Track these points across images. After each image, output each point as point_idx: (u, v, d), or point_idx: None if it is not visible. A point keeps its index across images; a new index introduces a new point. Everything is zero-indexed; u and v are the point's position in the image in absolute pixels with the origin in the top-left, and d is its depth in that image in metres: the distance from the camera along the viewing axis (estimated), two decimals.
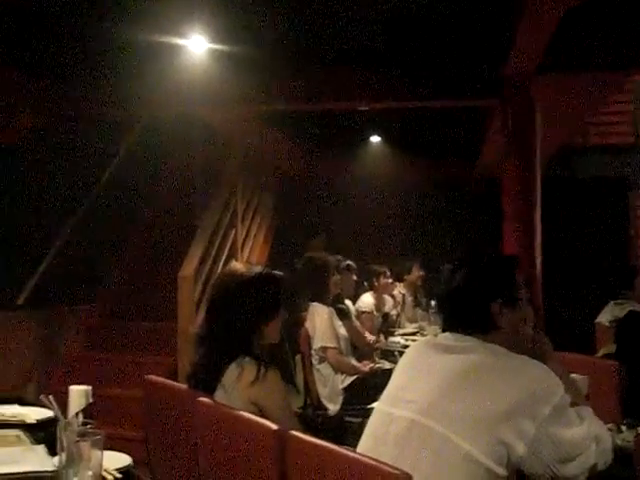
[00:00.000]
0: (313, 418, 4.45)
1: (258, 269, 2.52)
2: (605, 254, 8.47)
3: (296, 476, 1.78)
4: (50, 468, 1.93)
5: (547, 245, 5.34)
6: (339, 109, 6.69)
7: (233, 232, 7.08)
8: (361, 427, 1.98)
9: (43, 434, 2.26)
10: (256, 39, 4.88)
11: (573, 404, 1.83)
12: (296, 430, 1.87)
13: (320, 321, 4.67)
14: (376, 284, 6.63)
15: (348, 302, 5.90)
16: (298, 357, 4.62)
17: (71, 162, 6.03)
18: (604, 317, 5.48)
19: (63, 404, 2.08)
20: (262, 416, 2.12)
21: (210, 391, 2.32)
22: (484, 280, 1.94)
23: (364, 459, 1.60)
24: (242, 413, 2.07)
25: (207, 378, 2.35)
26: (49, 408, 2.04)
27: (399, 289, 7.30)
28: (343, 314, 5.21)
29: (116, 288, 6.93)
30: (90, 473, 1.62)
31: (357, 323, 5.84)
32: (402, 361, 2.02)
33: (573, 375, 2.18)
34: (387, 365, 5.15)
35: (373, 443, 1.87)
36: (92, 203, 6.52)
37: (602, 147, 8.52)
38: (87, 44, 4.97)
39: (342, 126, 7.58)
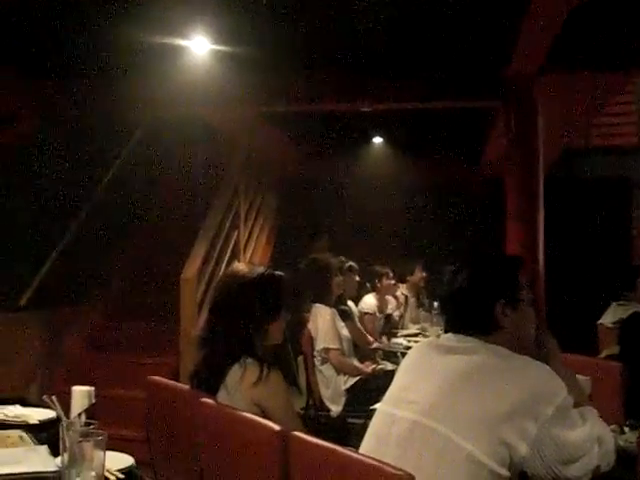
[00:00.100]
0: (316, 419, 4.45)
1: (260, 270, 2.52)
2: (607, 255, 8.46)
3: (299, 477, 1.78)
4: (53, 468, 1.93)
5: (550, 246, 5.34)
6: (342, 110, 6.69)
7: (235, 233, 7.09)
8: (363, 428, 1.97)
9: (46, 435, 2.26)
10: (258, 40, 4.88)
11: (577, 405, 1.83)
12: (299, 431, 1.87)
13: (322, 322, 4.67)
14: (378, 285, 6.63)
15: (350, 303, 5.90)
16: (300, 358, 4.62)
17: (73, 163, 6.04)
18: (607, 318, 5.48)
19: (66, 405, 2.08)
20: (265, 417, 2.12)
21: (213, 392, 2.32)
22: (487, 281, 1.94)
23: (367, 460, 1.60)
24: (245, 414, 2.07)
25: (210, 379, 2.35)
26: (52, 409, 2.05)
27: (402, 290, 7.30)
28: (346, 315, 5.21)
29: (118, 289, 6.94)
30: (93, 473, 1.62)
31: (359, 324, 5.84)
32: (404, 362, 2.02)
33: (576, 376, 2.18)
34: (389, 366, 5.15)
35: (375, 444, 1.87)
36: (94, 204, 6.53)
37: (605, 148, 8.51)
38: (88, 45, 4.97)
39: (345, 127, 7.58)
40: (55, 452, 2.01)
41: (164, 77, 5.44)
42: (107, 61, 5.23)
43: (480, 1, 4.35)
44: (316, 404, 4.54)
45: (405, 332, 6.62)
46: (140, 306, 6.58)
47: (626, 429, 2.50)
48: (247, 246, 7.52)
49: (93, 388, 2.21)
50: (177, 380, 3.44)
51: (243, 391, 2.29)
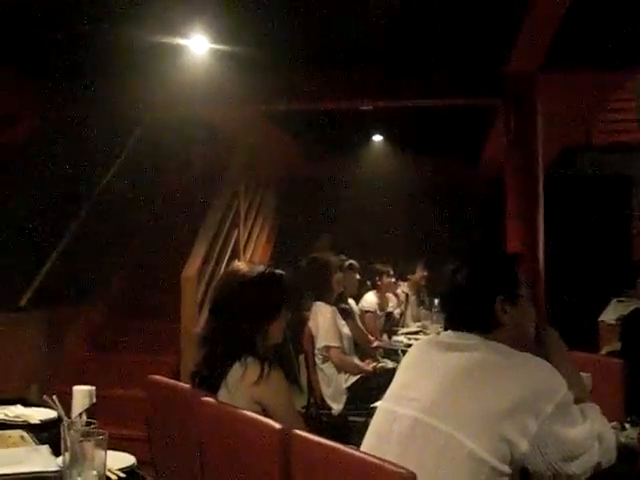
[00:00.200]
0: (317, 417, 4.45)
1: (261, 269, 2.52)
2: (608, 252, 8.47)
3: (300, 475, 1.78)
4: (54, 468, 1.93)
5: (550, 243, 5.34)
6: (341, 108, 6.68)
7: (236, 232, 7.09)
8: (365, 426, 1.97)
9: (47, 434, 2.26)
10: (257, 39, 4.88)
11: (579, 401, 1.83)
12: (300, 429, 1.87)
13: (323, 320, 4.68)
14: (379, 283, 6.64)
15: (351, 301, 5.91)
16: (301, 357, 4.62)
17: (73, 163, 6.03)
18: (607, 315, 5.50)
19: (67, 404, 2.08)
20: (266, 415, 2.12)
21: (213, 391, 2.32)
22: (486, 278, 1.93)
23: (368, 458, 1.60)
24: (246, 412, 2.07)
25: (210, 378, 2.35)
26: (53, 408, 2.05)
27: (402, 288, 7.30)
28: (346, 314, 5.21)
29: (119, 288, 6.94)
30: (94, 473, 1.62)
31: (360, 323, 5.85)
32: (405, 360, 2.02)
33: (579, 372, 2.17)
34: (390, 364, 5.15)
35: (377, 442, 1.87)
36: (94, 204, 6.52)
37: (605, 145, 8.51)
38: (88, 44, 4.97)
39: (345, 125, 7.58)
40: (56, 452, 2.01)
41: (163, 76, 5.44)
42: (106, 61, 5.23)
43: None
44: (317, 402, 4.55)
45: (406, 330, 6.62)
46: (140, 306, 6.59)
47: (627, 425, 2.51)
48: (247, 245, 7.52)
49: (94, 388, 2.21)
50: (178, 379, 3.44)
51: (244, 390, 2.28)
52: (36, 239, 5.71)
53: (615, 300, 5.56)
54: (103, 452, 1.64)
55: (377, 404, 2.00)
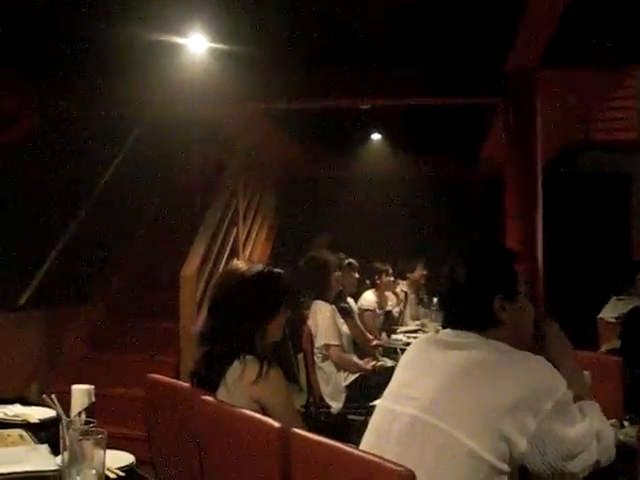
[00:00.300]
0: (316, 416, 4.45)
1: (260, 267, 2.52)
2: (607, 250, 8.47)
3: (299, 474, 1.77)
4: (53, 467, 1.93)
5: (549, 241, 5.33)
6: (341, 107, 6.68)
7: (235, 231, 7.09)
8: (364, 425, 1.97)
9: (46, 433, 2.26)
10: (256, 38, 4.88)
11: (579, 398, 1.83)
12: (299, 428, 1.87)
13: (322, 319, 4.68)
14: (378, 282, 6.64)
15: (350, 300, 5.91)
16: (300, 355, 4.62)
17: (72, 162, 6.03)
18: (606, 313, 5.49)
19: (66, 403, 2.08)
20: (265, 414, 2.12)
21: (212, 389, 2.32)
22: (484, 276, 1.93)
23: (367, 456, 1.60)
24: (245, 411, 2.07)
25: (209, 376, 2.35)
26: (52, 408, 2.05)
27: (401, 287, 7.31)
28: (346, 313, 5.22)
29: (118, 288, 6.94)
30: (93, 472, 1.62)
31: (359, 322, 5.85)
32: (404, 358, 2.02)
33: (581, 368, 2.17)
34: (389, 363, 5.16)
35: (376, 440, 1.87)
36: (94, 203, 6.52)
37: (605, 143, 8.50)
38: (87, 44, 4.97)
39: (344, 124, 7.58)
40: (55, 451, 2.01)
41: (162, 76, 5.44)
42: (106, 60, 5.22)
43: None
44: (316, 401, 4.54)
45: (405, 328, 6.63)
46: (140, 305, 6.59)
47: (626, 423, 2.51)
48: (246, 244, 7.52)
49: (93, 387, 2.20)
50: (177, 378, 3.44)
51: (243, 388, 2.29)
52: (35, 238, 5.71)
53: (615, 298, 5.56)
54: (102, 451, 1.64)
55: (376, 403, 2.00)
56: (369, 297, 6.52)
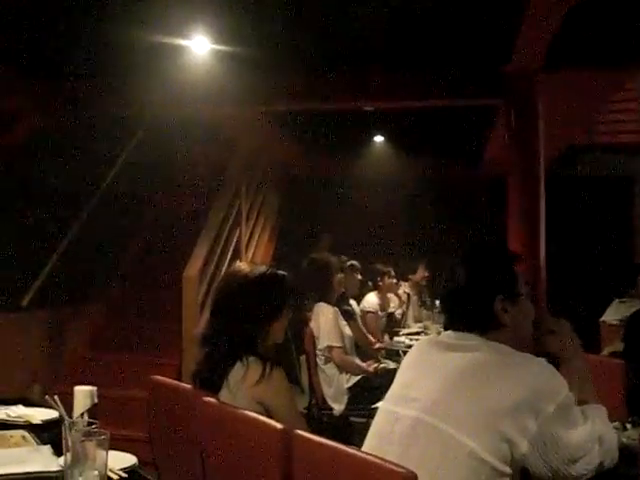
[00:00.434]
0: (318, 418, 4.45)
1: (262, 269, 2.52)
2: (610, 252, 8.46)
3: (301, 475, 1.77)
4: (55, 468, 1.93)
5: (551, 243, 5.33)
6: (343, 109, 6.68)
7: (237, 232, 7.09)
8: (366, 427, 1.97)
9: (48, 434, 2.26)
10: (258, 39, 4.88)
11: (582, 402, 1.83)
12: (301, 430, 1.87)
13: (325, 321, 4.68)
14: (380, 284, 6.64)
15: (353, 303, 5.91)
16: (303, 357, 4.62)
17: (73, 163, 6.04)
18: (609, 315, 5.49)
19: (68, 405, 2.09)
20: (267, 416, 2.12)
21: (215, 391, 2.32)
22: (485, 277, 1.93)
23: (369, 458, 1.60)
24: (247, 412, 2.07)
25: (212, 377, 2.35)
26: (54, 409, 2.05)
27: (404, 289, 7.30)
28: (348, 316, 5.21)
29: (120, 289, 6.94)
30: (95, 473, 1.62)
31: (361, 325, 5.85)
32: (406, 360, 2.02)
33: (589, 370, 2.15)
34: (391, 365, 5.15)
35: (378, 442, 1.87)
36: (96, 204, 6.53)
37: (607, 145, 8.50)
38: (88, 45, 4.98)
39: (346, 126, 7.57)
40: (58, 452, 2.02)
41: (165, 77, 5.45)
42: (107, 61, 5.23)
43: None
44: (319, 403, 4.54)
45: (407, 330, 6.63)
46: (142, 306, 6.59)
47: (628, 426, 2.51)
48: (249, 245, 7.52)
49: (95, 388, 2.21)
50: (179, 379, 3.44)
51: (245, 390, 2.28)
52: (37, 239, 5.72)
53: (617, 300, 5.55)
54: (104, 452, 1.64)
55: (378, 405, 1.99)
56: (371, 299, 6.52)
